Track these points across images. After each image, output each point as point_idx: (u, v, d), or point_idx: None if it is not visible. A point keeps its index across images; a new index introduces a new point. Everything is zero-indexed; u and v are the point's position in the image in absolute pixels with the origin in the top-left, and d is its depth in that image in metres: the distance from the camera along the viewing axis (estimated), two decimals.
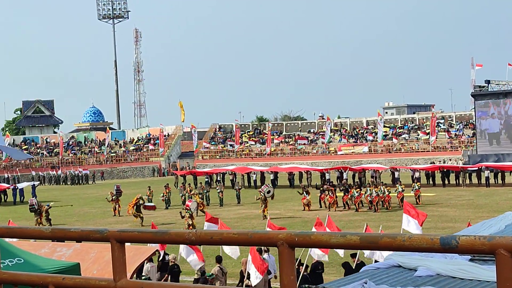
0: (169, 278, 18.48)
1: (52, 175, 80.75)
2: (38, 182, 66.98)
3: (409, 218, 21.16)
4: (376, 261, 16.88)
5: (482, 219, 17.84)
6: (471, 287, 8.76)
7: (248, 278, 17.30)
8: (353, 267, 17.56)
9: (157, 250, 17.49)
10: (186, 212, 30.59)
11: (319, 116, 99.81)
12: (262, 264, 16.99)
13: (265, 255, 17.98)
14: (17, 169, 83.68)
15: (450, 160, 66.30)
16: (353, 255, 18.51)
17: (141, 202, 36.05)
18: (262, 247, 17.21)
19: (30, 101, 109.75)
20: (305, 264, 18.08)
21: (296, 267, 18.32)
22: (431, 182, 53.16)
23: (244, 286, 17.63)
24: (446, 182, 52.07)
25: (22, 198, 53.98)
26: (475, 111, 69.12)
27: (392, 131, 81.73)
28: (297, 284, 17.70)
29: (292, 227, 32.10)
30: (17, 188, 55.32)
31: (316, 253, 18.23)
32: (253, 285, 16.73)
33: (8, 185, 58.27)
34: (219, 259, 18.05)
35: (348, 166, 59.95)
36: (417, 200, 39.80)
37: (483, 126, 66.53)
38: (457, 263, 9.32)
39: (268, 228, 20.13)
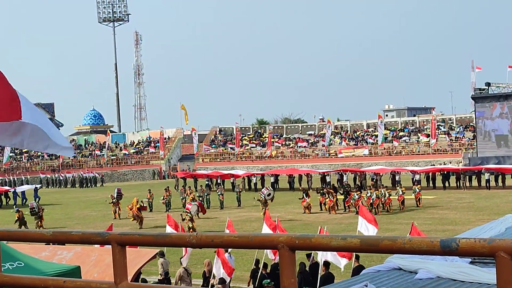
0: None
1: (60, 177, 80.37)
2: (40, 185, 66.94)
3: (365, 221, 21.57)
4: (326, 262, 17.57)
5: (483, 222, 17.89)
6: None
7: (214, 278, 17.70)
8: (307, 268, 18.14)
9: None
10: (186, 215, 30.62)
11: (320, 119, 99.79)
12: (230, 267, 17.66)
13: (226, 255, 18.20)
14: (17, 172, 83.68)
15: (451, 162, 66.26)
16: (308, 256, 18.78)
17: (140, 204, 36.34)
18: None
19: None
20: (264, 262, 18.47)
21: (254, 266, 19.00)
22: (431, 184, 53.14)
23: (210, 286, 17.88)
24: (447, 184, 52.03)
25: (24, 201, 53.96)
26: (475, 113, 69.12)
27: (393, 134, 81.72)
28: (257, 283, 17.99)
29: (292, 230, 32.08)
30: (16, 191, 55.27)
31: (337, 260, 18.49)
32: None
33: (8, 188, 58.26)
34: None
35: (349, 168, 59.90)
36: (418, 203, 39.78)
37: (488, 127, 66.32)
38: (458, 265, 9.31)
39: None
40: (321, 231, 18.82)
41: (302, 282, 17.69)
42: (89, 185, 76.62)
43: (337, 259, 19.18)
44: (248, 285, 19.34)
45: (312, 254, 18.47)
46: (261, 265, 18.57)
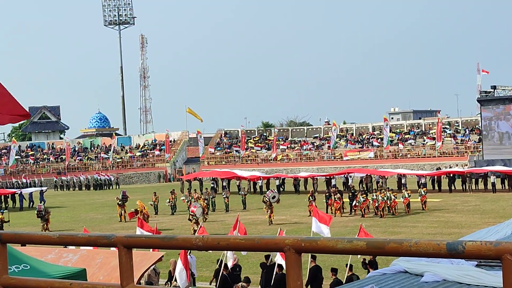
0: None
1: (74, 180, 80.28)
2: (46, 188, 67.04)
3: (317, 222, 22.13)
4: (280, 264, 17.95)
5: (489, 225, 17.85)
6: None
7: (175, 280, 18.15)
8: (268, 268, 18.64)
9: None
10: (192, 217, 30.67)
11: (325, 122, 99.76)
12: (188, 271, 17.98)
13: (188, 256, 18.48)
14: (23, 175, 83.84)
15: (457, 165, 66.13)
16: (267, 257, 19.22)
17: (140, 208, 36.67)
18: None
19: (37, 107, 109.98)
20: (224, 263, 18.78)
21: (218, 266, 19.33)
22: (437, 187, 53.03)
23: (172, 286, 18.16)
24: (452, 187, 51.91)
25: (31, 203, 54.06)
26: (481, 116, 69.00)
27: (398, 137, 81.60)
28: (217, 284, 18.30)
29: (297, 233, 32.10)
30: (22, 193, 55.35)
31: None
32: None
33: (14, 190, 58.37)
34: None
35: (354, 170, 59.80)
36: (423, 206, 39.73)
37: (503, 128, 66.06)
38: (464, 268, 9.30)
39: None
40: (280, 233, 19.24)
41: (264, 282, 18.36)
42: (104, 187, 76.44)
43: (320, 228, 21.05)
44: (210, 284, 19.71)
45: (270, 256, 18.87)
46: (222, 266, 18.90)
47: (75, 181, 79.59)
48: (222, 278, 18.33)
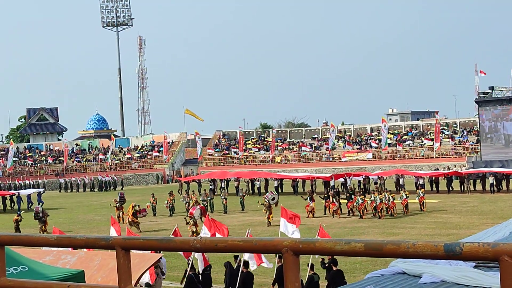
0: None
1: (78, 181, 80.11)
2: (44, 189, 66.98)
3: (286, 222, 22.21)
4: (246, 262, 18.24)
5: (487, 226, 17.87)
6: None
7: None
8: (234, 268, 18.87)
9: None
10: (190, 219, 30.61)
11: (323, 123, 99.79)
12: (152, 274, 18.02)
13: None
14: (21, 176, 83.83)
15: (455, 166, 66.17)
16: (236, 257, 19.38)
17: (136, 208, 36.44)
18: None
19: (35, 109, 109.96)
20: (192, 263, 18.92)
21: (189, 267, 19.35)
22: (435, 188, 53.05)
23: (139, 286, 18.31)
24: (451, 188, 51.91)
25: (30, 205, 53.97)
26: (479, 117, 69.05)
27: (396, 138, 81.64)
28: (184, 284, 18.52)
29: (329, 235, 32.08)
30: (19, 195, 55.28)
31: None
32: None
33: (12, 192, 58.29)
34: None
35: (352, 172, 59.81)
36: (422, 207, 39.72)
37: (509, 130, 66.04)
38: (462, 270, 9.31)
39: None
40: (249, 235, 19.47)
41: (228, 281, 18.57)
42: (108, 188, 76.28)
43: (287, 228, 21.36)
44: (181, 283, 19.91)
45: (239, 256, 19.00)
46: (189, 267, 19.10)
47: (79, 182, 79.48)
48: (188, 279, 18.58)
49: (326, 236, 19.69)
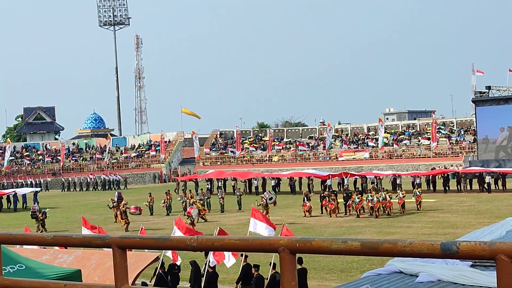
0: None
1: (81, 180, 79.97)
2: (40, 189, 66.92)
3: (256, 221, 22.36)
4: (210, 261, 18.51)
5: (483, 225, 17.90)
6: None
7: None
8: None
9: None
10: (187, 218, 30.62)
11: (320, 122, 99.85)
12: None
13: None
14: (18, 175, 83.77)
15: (452, 166, 66.25)
16: (207, 254, 19.73)
17: (123, 209, 36.63)
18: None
19: (31, 108, 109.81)
20: (162, 262, 18.97)
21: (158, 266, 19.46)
22: (431, 188, 53.08)
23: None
24: (447, 188, 51.93)
25: (24, 204, 53.95)
26: (475, 116, 69.13)
27: (393, 137, 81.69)
28: (154, 283, 18.74)
29: (293, 233, 32.07)
30: (16, 194, 55.25)
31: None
32: None
33: (8, 191, 58.19)
34: None
35: (349, 172, 59.84)
36: (418, 206, 39.77)
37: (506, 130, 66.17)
38: (458, 269, 9.32)
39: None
40: (220, 232, 19.57)
41: (193, 280, 18.80)
42: (112, 187, 76.08)
43: (256, 226, 21.63)
44: (150, 281, 20.10)
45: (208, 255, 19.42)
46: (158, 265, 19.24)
47: (81, 181, 79.41)
48: (158, 277, 18.78)
49: (290, 235, 19.94)
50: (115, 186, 76.19)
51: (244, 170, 72.29)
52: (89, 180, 79.19)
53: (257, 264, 18.30)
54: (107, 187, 76.12)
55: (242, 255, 18.77)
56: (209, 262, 18.48)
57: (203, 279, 18.41)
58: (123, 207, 36.75)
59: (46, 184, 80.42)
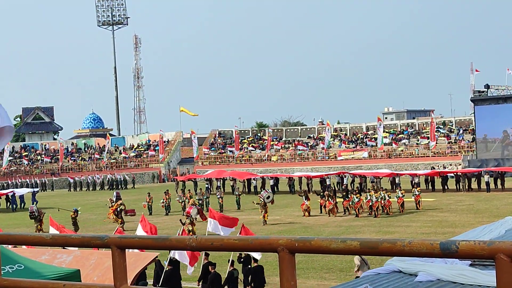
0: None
1: (88, 180, 79.90)
2: (38, 189, 66.88)
3: (212, 220, 23.03)
4: (172, 259, 18.68)
5: (482, 224, 17.88)
6: None
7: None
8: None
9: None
10: (186, 218, 30.56)
11: (319, 122, 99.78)
12: None
13: None
14: (17, 175, 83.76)
15: (451, 165, 66.27)
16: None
17: (122, 207, 36.60)
18: None
19: (30, 108, 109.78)
20: (170, 258, 19.10)
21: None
22: (430, 187, 53.07)
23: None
24: (446, 187, 51.90)
25: (22, 204, 53.93)
26: (474, 115, 69.18)
27: (392, 137, 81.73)
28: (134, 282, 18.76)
29: (292, 233, 32.12)
30: (15, 194, 55.27)
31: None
32: None
33: (6, 191, 58.16)
34: None
35: (348, 171, 59.88)
36: (417, 205, 39.78)
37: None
38: (458, 268, 9.31)
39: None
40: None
41: (155, 278, 18.99)
42: (119, 186, 75.96)
43: (213, 226, 22.32)
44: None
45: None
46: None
47: (89, 181, 79.35)
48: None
49: (250, 234, 20.31)
50: (122, 186, 76.07)
51: (243, 170, 72.29)
52: (96, 179, 79.15)
53: (213, 262, 18.67)
54: (114, 186, 75.83)
55: (205, 254, 19.04)
56: (171, 258, 18.73)
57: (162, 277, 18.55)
58: (118, 206, 36.73)
59: (51, 184, 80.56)
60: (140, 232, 21.36)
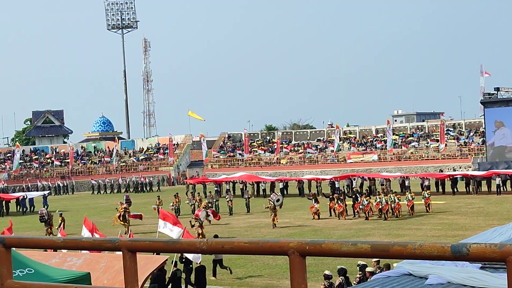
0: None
1: (112, 182, 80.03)
2: (49, 192, 67.06)
3: (165, 222, 23.33)
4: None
5: (493, 227, 17.81)
6: None
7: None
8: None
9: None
10: (196, 221, 30.60)
11: (328, 125, 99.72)
12: None
13: None
14: (27, 179, 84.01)
15: (460, 167, 66.06)
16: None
17: (126, 211, 36.65)
18: None
19: (40, 112, 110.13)
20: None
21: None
22: (440, 190, 52.91)
23: None
24: (456, 189, 51.72)
25: (32, 208, 54.08)
26: (484, 118, 68.96)
27: (402, 139, 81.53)
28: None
29: (301, 236, 32.09)
30: (26, 197, 55.46)
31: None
32: None
33: (18, 195, 58.31)
34: None
35: (358, 173, 59.76)
36: (427, 208, 39.66)
37: None
38: (468, 271, 9.28)
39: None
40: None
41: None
42: (144, 190, 75.95)
43: (164, 226, 22.80)
44: None
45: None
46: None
47: (113, 183, 79.53)
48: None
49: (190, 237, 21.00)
50: (147, 188, 76.04)
51: (252, 173, 72.29)
52: (120, 183, 79.29)
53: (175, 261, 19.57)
54: (139, 189, 75.77)
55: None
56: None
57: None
58: (123, 210, 36.69)
59: (72, 187, 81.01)
60: (86, 233, 21.84)
